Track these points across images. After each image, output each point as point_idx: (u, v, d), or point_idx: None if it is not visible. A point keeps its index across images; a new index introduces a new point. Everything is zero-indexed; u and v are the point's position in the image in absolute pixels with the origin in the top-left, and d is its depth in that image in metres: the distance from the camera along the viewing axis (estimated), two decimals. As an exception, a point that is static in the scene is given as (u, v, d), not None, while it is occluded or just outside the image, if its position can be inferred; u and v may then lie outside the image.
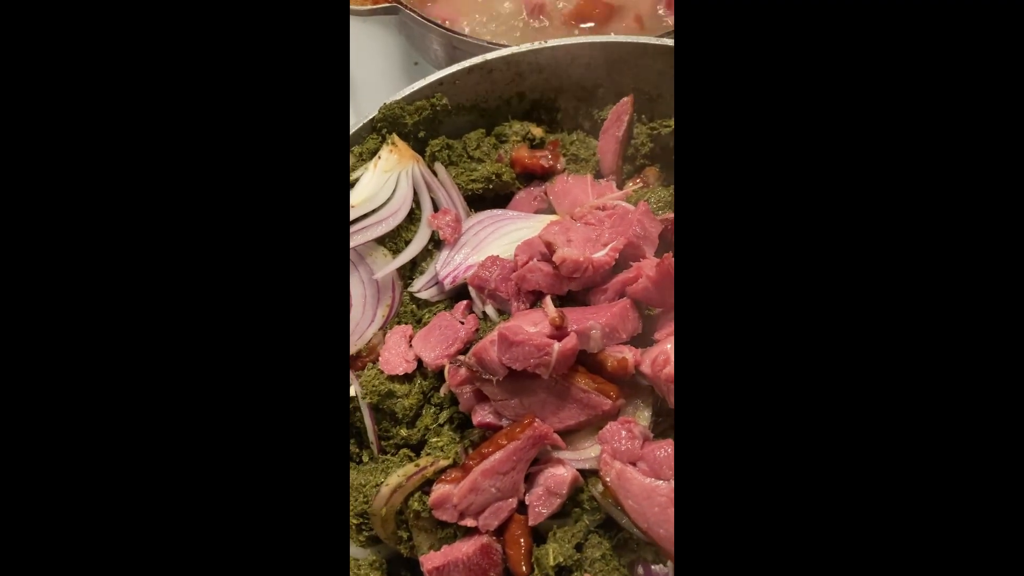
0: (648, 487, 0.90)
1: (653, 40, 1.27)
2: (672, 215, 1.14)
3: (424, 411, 1.11)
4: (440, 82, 1.29)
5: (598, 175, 1.32)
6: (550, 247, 1.07)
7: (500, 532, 0.99)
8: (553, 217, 1.24)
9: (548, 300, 1.06)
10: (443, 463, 1.02)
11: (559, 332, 0.98)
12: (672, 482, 0.90)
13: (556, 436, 0.97)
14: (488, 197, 1.31)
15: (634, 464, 0.92)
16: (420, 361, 1.12)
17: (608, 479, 0.93)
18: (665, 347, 0.97)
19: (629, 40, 1.28)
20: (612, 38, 1.29)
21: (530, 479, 0.99)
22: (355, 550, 1.09)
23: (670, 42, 1.26)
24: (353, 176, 1.22)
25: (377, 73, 1.97)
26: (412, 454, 1.09)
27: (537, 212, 1.29)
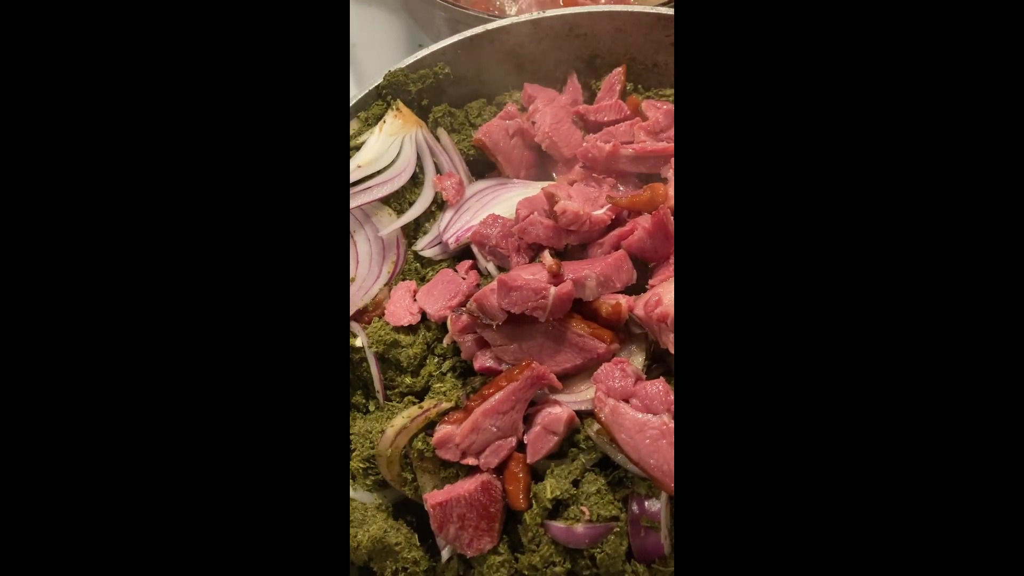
0: (640, 421, 0.94)
1: (649, 9, 1.32)
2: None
3: (428, 361, 1.16)
4: (443, 51, 1.34)
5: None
6: (551, 199, 1.12)
7: (500, 470, 1.03)
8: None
9: (546, 252, 1.10)
10: (446, 405, 1.07)
11: (556, 279, 1.03)
12: (663, 416, 0.94)
13: (553, 376, 1.02)
14: (489, 163, 1.36)
15: (627, 401, 0.97)
16: (424, 314, 1.17)
17: (602, 415, 0.97)
18: (658, 290, 1.01)
19: (625, 10, 1.33)
20: (609, 8, 1.33)
21: (528, 420, 1.03)
22: (362, 494, 1.13)
23: (665, 11, 1.31)
24: (359, 140, 1.27)
25: (384, 59, 2.02)
26: (416, 400, 1.13)
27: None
